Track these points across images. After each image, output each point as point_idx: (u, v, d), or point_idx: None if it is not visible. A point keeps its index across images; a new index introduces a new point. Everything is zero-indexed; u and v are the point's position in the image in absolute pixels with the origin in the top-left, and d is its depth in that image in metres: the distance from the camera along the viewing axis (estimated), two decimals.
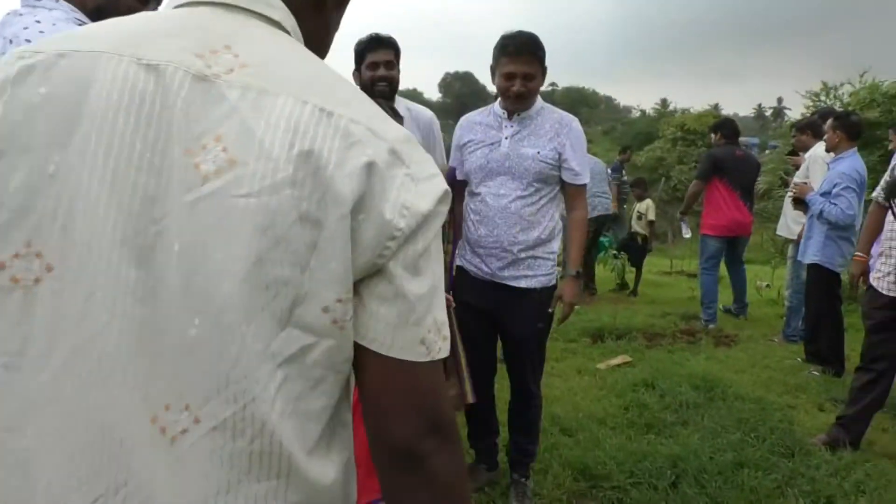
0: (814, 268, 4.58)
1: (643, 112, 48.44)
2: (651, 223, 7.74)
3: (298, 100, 0.65)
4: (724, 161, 6.01)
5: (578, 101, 62.18)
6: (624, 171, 9.42)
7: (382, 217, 0.66)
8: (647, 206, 7.76)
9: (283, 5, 0.75)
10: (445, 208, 0.72)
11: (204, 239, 0.63)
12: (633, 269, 7.76)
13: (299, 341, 0.66)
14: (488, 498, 2.80)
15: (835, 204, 4.33)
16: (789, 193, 5.06)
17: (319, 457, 0.72)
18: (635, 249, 7.73)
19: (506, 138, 2.60)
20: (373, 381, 0.71)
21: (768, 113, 61.67)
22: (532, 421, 2.82)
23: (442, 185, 0.71)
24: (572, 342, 5.35)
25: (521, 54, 2.50)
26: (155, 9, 1.69)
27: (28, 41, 1.48)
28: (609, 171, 10.53)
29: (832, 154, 4.62)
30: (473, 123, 2.73)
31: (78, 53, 0.67)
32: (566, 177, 2.61)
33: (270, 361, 0.65)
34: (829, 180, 4.48)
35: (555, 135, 2.58)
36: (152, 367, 0.65)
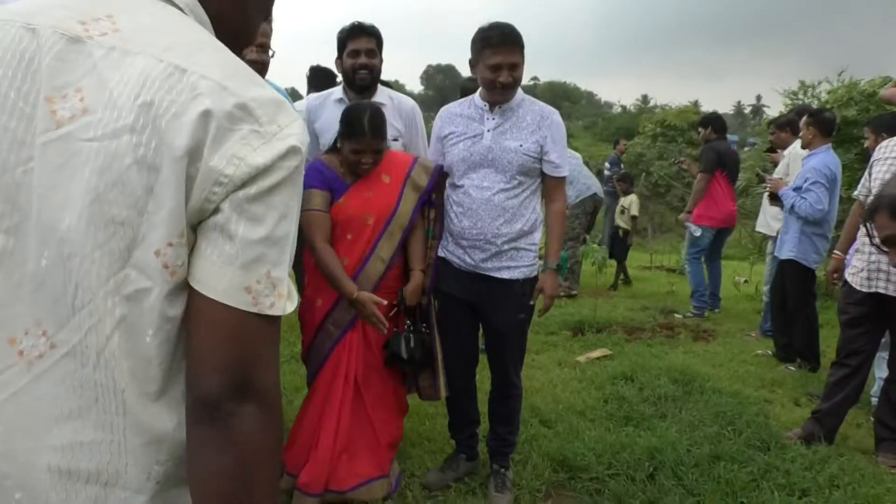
0: (789, 263, 4.63)
1: (624, 108, 48.70)
2: (634, 218, 7.80)
3: (155, 58, 0.71)
4: (724, 154, 6.11)
5: (560, 96, 62.36)
6: (622, 166, 9.40)
7: (211, 162, 0.69)
8: (630, 201, 7.84)
9: None
10: (290, 163, 0.73)
11: (53, 177, 0.70)
12: (615, 264, 7.83)
13: (136, 283, 0.71)
14: (468, 488, 2.80)
15: (804, 198, 4.39)
16: (765, 188, 5.11)
17: (161, 403, 0.74)
18: (618, 244, 7.81)
19: (488, 131, 2.59)
20: (192, 323, 0.72)
21: (747, 110, 62.32)
22: (512, 411, 2.82)
23: (289, 142, 0.73)
24: (553, 335, 5.37)
25: (505, 44, 2.48)
26: None
27: None
28: (607, 164, 10.54)
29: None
30: (454, 115, 2.70)
31: None
32: (546, 169, 2.61)
33: (109, 297, 0.71)
34: (801, 175, 4.55)
35: (537, 127, 2.58)
36: (14, 293, 0.72)
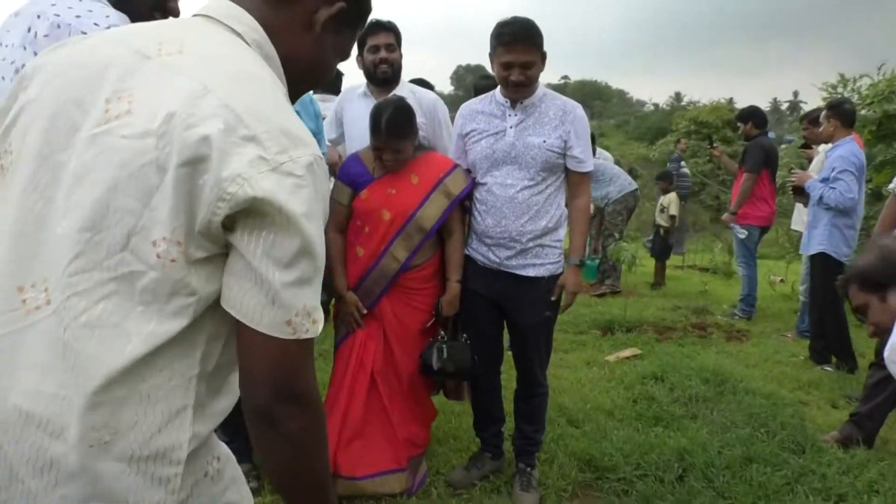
0: (819, 257, 4.48)
1: (656, 106, 48.10)
2: (672, 217, 7.71)
3: (196, 80, 0.82)
4: (770, 152, 5.95)
5: (591, 95, 61.70)
6: (683, 164, 9.24)
7: (218, 179, 0.78)
8: (669, 200, 7.78)
9: (252, 23, 0.93)
10: (302, 208, 0.80)
11: (89, 162, 0.83)
12: (654, 262, 7.79)
13: (131, 265, 0.82)
14: (493, 486, 2.78)
15: (833, 188, 4.28)
16: (789, 181, 4.99)
17: (120, 376, 0.82)
18: (658, 243, 7.73)
19: (511, 127, 2.56)
20: (242, 347, 0.84)
21: (784, 107, 60.86)
22: (538, 409, 2.79)
23: (289, 189, 0.79)
24: (582, 334, 5.32)
25: (516, 43, 2.45)
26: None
27: (57, 16, 1.61)
28: (668, 163, 10.44)
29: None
30: (475, 112, 2.68)
31: (91, 38, 0.95)
32: (570, 164, 2.58)
33: (105, 272, 0.82)
34: (827, 166, 4.45)
35: (560, 123, 2.54)
36: (35, 250, 0.85)
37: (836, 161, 4.35)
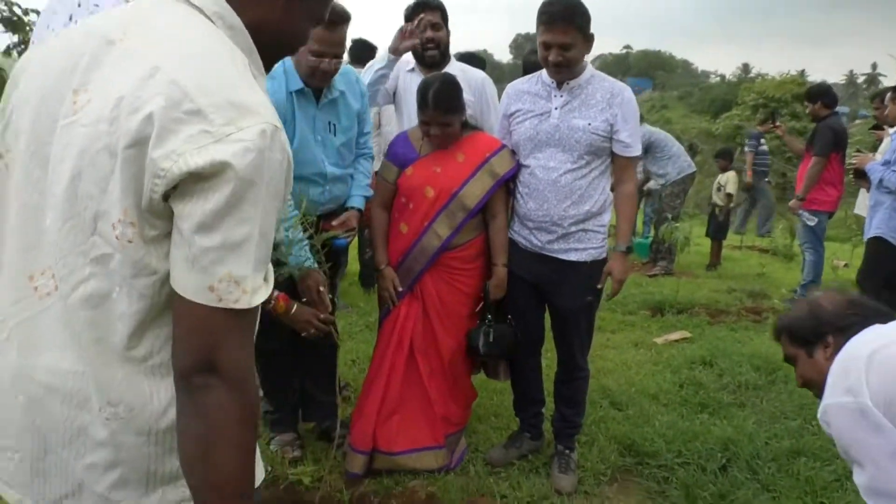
0: (875, 242, 4.24)
1: (722, 77, 46.30)
2: (729, 196, 7.43)
3: (150, 62, 0.83)
4: (840, 134, 5.67)
5: (654, 65, 59.86)
6: (763, 142, 8.93)
7: (154, 156, 0.80)
8: (727, 179, 7.50)
9: None
10: (238, 169, 0.79)
11: (60, 154, 0.87)
12: (710, 242, 7.57)
13: (101, 248, 0.86)
14: (531, 466, 2.80)
15: (895, 170, 4.05)
16: (850, 164, 4.74)
17: (118, 353, 0.88)
18: (714, 222, 7.49)
19: (556, 109, 2.51)
20: (173, 311, 0.85)
21: (860, 80, 57.67)
22: (577, 393, 2.79)
23: (233, 152, 0.79)
24: (630, 314, 5.24)
25: (555, 23, 2.38)
26: None
27: (96, 6, 1.63)
28: (746, 139, 10.13)
29: None
30: (521, 92, 2.64)
31: (76, 28, 0.98)
32: (616, 149, 2.52)
33: (81, 256, 0.87)
34: (891, 148, 4.20)
35: (606, 105, 2.48)
36: (37, 241, 0.90)
37: None
